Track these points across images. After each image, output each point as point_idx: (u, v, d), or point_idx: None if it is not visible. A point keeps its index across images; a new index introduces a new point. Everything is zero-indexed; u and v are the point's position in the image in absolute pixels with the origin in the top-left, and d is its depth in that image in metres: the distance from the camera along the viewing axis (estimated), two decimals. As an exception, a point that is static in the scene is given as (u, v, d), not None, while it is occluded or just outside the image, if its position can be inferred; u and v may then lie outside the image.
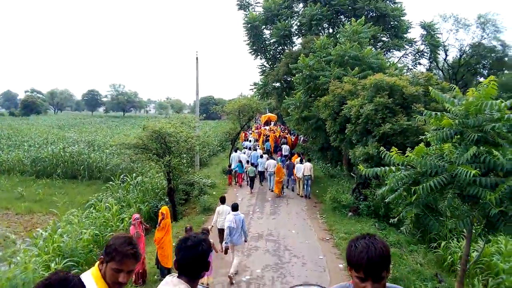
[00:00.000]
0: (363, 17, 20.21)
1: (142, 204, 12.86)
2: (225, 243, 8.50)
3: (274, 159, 18.24)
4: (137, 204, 12.59)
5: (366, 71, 17.53)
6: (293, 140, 31.22)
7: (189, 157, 14.61)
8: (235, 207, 8.85)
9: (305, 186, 16.57)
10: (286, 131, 38.76)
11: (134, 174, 15.18)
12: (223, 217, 9.53)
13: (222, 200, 10.29)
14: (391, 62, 20.08)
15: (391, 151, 7.56)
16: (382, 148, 8.06)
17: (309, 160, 18.05)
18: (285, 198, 16.03)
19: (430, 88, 7.60)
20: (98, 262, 2.40)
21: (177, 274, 2.23)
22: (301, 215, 13.56)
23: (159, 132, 12.32)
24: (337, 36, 24.62)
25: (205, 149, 15.19)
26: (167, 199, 13.70)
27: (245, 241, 9.13)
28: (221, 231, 9.64)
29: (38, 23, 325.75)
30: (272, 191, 16.86)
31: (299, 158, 19.02)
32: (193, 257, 2.18)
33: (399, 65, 24.20)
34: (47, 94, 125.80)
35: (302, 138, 31.49)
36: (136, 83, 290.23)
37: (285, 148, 24.19)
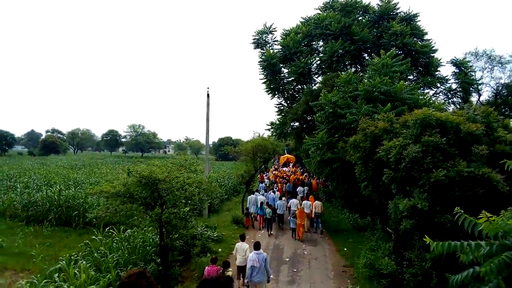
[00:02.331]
0: (393, 49, 17.98)
1: (125, 267, 10.15)
2: (247, 280, 8.78)
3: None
4: (118, 269, 9.90)
5: (398, 108, 15.08)
6: (319, 183, 28.86)
7: (190, 206, 12.05)
8: (257, 246, 9.03)
9: (315, 224, 17.71)
10: (306, 174, 36.01)
11: (123, 227, 12.57)
12: (241, 254, 10.31)
13: (242, 238, 10.96)
14: (427, 99, 17.53)
15: (481, 217, 4.92)
16: (457, 208, 5.39)
17: (319, 199, 18.71)
18: (306, 258, 13.08)
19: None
20: None
21: None
22: (327, 285, 10.60)
23: (149, 177, 9.87)
24: (360, 74, 22.44)
25: (207, 198, 12.50)
26: (159, 260, 11.02)
27: (268, 281, 9.03)
28: (239, 268, 10.22)
29: (62, 65, 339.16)
30: (294, 231, 16.45)
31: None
32: None
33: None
34: (68, 134, 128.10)
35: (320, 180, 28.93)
36: (156, 123, 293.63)
37: (300, 190, 23.53)
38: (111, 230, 12.48)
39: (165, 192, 10.31)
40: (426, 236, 5.19)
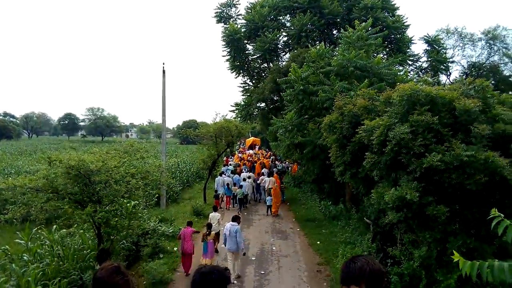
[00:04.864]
0: (370, 20, 16.38)
1: (53, 279, 8.11)
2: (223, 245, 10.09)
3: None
4: (42, 283, 7.83)
5: (376, 84, 13.61)
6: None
7: (139, 199, 10.04)
8: (233, 219, 9.96)
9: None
10: (273, 157, 34.52)
11: (55, 226, 10.34)
12: (214, 222, 11.71)
13: (214, 209, 13.09)
14: (405, 74, 16.17)
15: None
16: (494, 211, 3.68)
17: (272, 175, 19.60)
18: (275, 256, 11.40)
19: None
20: None
21: None
22: (301, 290, 9.01)
23: (78, 168, 7.79)
24: (332, 48, 20.86)
25: (154, 191, 10.60)
26: (98, 267, 9.00)
27: (244, 254, 10.00)
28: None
29: (13, 46, 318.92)
30: (269, 208, 17.32)
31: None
32: (203, 282, 2.28)
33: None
34: (21, 118, 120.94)
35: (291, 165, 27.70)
36: (117, 106, 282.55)
37: (264, 171, 23.23)
38: (39, 231, 10.27)
39: (101, 186, 8.26)
40: (455, 252, 3.52)
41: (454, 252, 3.62)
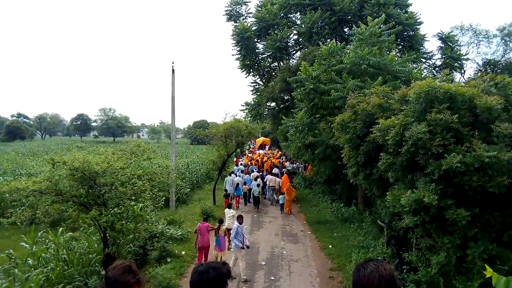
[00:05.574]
0: (383, 16, 15.91)
1: (58, 284, 7.90)
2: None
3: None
4: (43, 289, 7.65)
5: (389, 82, 13.16)
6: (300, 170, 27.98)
7: (147, 201, 9.76)
8: (237, 218, 10.40)
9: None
10: (284, 157, 34.23)
11: (61, 228, 10.15)
12: (227, 218, 12.23)
13: (229, 206, 13.37)
14: (419, 72, 15.66)
15: None
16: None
17: (281, 175, 21.07)
18: (285, 260, 11.04)
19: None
20: None
21: None
22: (312, 297, 8.65)
23: (82, 170, 7.56)
24: (343, 45, 20.39)
25: (161, 193, 10.37)
26: (103, 271, 8.78)
27: (247, 246, 10.27)
28: (227, 230, 11.48)
29: (27, 48, 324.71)
30: (282, 206, 17.82)
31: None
32: (200, 281, 2.24)
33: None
34: (34, 119, 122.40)
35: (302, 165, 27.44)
36: (129, 107, 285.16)
37: (275, 170, 23.55)
38: (45, 234, 10.09)
39: (106, 188, 8.02)
40: (488, 267, 3.14)
41: (487, 267, 3.24)
